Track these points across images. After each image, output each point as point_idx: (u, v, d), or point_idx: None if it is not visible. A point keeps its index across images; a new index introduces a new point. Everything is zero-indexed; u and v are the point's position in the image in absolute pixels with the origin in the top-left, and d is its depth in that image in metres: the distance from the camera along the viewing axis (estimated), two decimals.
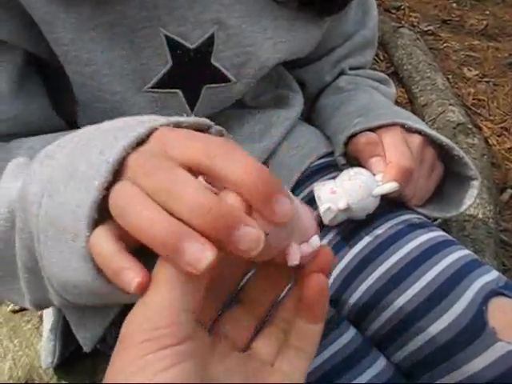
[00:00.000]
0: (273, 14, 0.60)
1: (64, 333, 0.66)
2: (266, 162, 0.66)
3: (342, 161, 0.62)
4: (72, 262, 0.33)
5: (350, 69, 0.79)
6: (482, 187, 1.28)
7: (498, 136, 1.77)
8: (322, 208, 0.54)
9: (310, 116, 0.80)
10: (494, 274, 0.51)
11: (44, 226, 0.34)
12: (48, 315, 0.69)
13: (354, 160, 0.61)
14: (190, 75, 0.57)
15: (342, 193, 0.53)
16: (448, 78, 1.99)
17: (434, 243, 0.53)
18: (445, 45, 2.31)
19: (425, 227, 0.56)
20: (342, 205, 0.53)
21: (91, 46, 0.50)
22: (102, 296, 0.35)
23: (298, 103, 0.71)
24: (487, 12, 2.67)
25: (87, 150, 0.34)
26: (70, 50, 0.50)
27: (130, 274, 0.29)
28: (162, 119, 0.35)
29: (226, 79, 0.59)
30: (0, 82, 0.49)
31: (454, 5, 2.75)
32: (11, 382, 0.69)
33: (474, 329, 0.46)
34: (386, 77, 0.83)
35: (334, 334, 0.48)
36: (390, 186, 0.53)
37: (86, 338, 0.58)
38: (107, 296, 0.34)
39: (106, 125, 0.37)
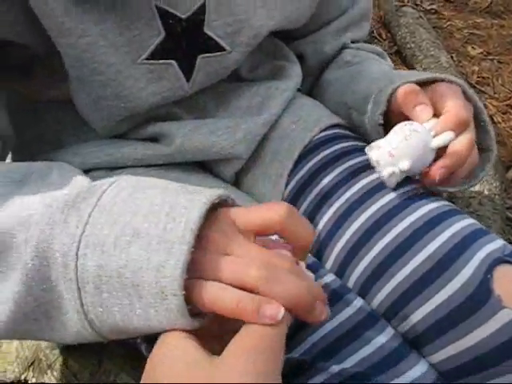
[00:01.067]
0: None
1: None
2: (267, 136, 0.66)
3: (380, 120, 0.60)
4: (151, 314, 0.38)
5: (351, 41, 0.78)
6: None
7: (503, 114, 1.76)
8: (385, 173, 0.53)
9: (311, 91, 0.79)
10: (499, 243, 0.50)
11: (92, 278, 0.38)
12: None
13: (395, 117, 0.59)
14: (183, 45, 0.56)
15: (402, 154, 0.52)
16: (452, 57, 1.97)
17: (438, 212, 0.52)
18: (448, 23, 2.28)
19: (429, 197, 0.55)
20: (405, 167, 0.52)
21: (85, 17, 0.49)
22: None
23: (295, 74, 0.71)
24: None
25: (151, 213, 0.39)
26: (64, 22, 0.49)
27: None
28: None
29: (220, 48, 0.58)
30: None
31: None
32: (18, 361, 0.69)
33: (480, 297, 0.46)
34: (382, 50, 0.82)
35: (339, 305, 0.48)
36: (446, 136, 0.52)
37: None
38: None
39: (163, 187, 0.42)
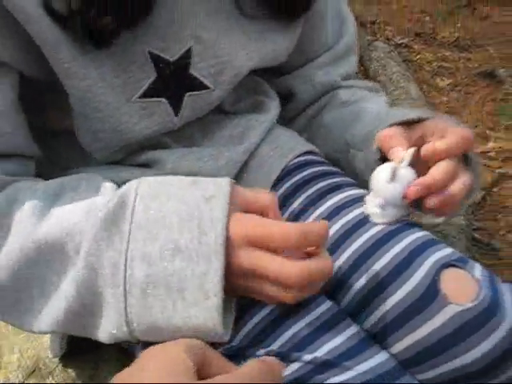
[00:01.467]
0: (243, 28, 0.68)
1: None
2: (247, 162, 0.73)
3: (376, 156, 0.66)
4: (191, 312, 0.48)
5: (343, 79, 0.85)
6: None
7: None
8: (368, 211, 0.61)
9: (306, 133, 0.85)
10: (447, 251, 0.58)
11: (139, 284, 0.48)
12: None
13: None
14: (172, 85, 0.64)
15: (379, 193, 0.59)
16: (422, 88, 2.09)
17: (397, 226, 0.60)
18: (418, 56, 2.41)
19: None
20: (380, 203, 0.60)
21: (87, 62, 0.57)
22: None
23: (274, 108, 0.79)
24: (458, 25, 2.78)
25: (183, 227, 0.49)
26: (70, 67, 0.57)
27: None
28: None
29: (204, 87, 0.66)
30: (3, 100, 0.57)
31: (427, 18, 2.87)
32: (20, 369, 0.75)
33: (428, 296, 0.53)
34: (376, 85, 0.89)
35: (312, 306, 0.55)
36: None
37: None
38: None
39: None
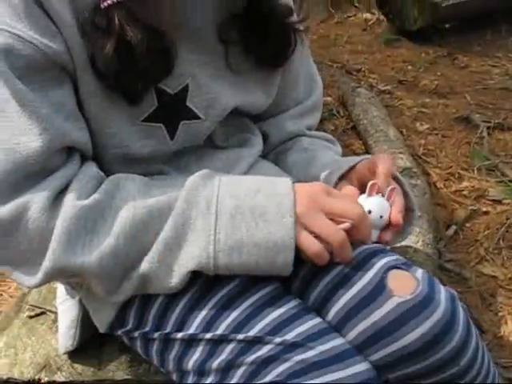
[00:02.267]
0: (229, 79, 0.82)
1: (83, 322, 0.84)
2: None
3: None
4: (271, 229, 0.63)
5: (308, 129, 1.01)
6: (423, 220, 1.49)
7: (445, 180, 1.99)
8: None
9: (277, 165, 0.99)
10: (395, 257, 0.70)
11: (229, 210, 0.64)
12: (65, 312, 0.86)
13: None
14: (170, 114, 0.77)
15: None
16: (402, 132, 2.23)
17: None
18: (400, 102, 2.57)
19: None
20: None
21: (107, 88, 0.70)
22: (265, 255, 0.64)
23: (258, 144, 0.92)
24: (439, 73, 2.96)
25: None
26: (95, 90, 0.69)
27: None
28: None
29: (197, 117, 0.79)
30: (71, 100, 0.69)
31: (410, 67, 3.04)
32: (33, 365, 0.86)
33: (377, 290, 0.65)
34: (332, 137, 1.05)
35: (282, 301, 0.67)
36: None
37: (101, 321, 0.76)
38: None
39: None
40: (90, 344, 0.86)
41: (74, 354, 0.85)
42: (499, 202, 1.89)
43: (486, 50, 3.30)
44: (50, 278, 0.65)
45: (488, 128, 2.29)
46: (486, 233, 1.75)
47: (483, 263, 1.65)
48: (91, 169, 0.70)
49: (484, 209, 1.85)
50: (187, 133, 0.80)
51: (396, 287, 0.65)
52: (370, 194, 0.74)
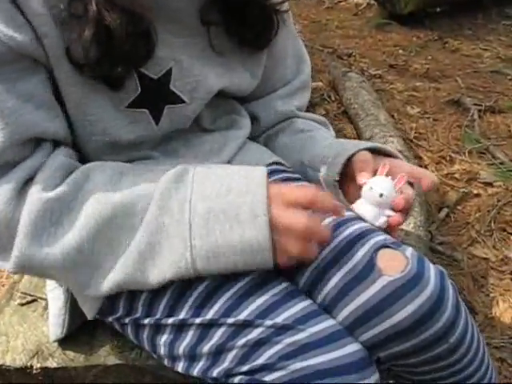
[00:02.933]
0: (213, 61, 0.81)
1: (72, 309, 0.84)
2: None
3: (337, 177, 0.80)
4: (245, 230, 0.61)
5: (298, 110, 1.00)
6: (415, 202, 1.49)
7: (437, 164, 2.00)
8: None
9: (268, 147, 0.98)
10: (383, 236, 0.70)
11: (202, 215, 0.62)
12: (54, 300, 0.86)
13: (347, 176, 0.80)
14: (154, 98, 0.76)
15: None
16: (393, 116, 2.23)
17: (339, 221, 0.73)
18: (391, 86, 2.56)
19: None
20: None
21: (86, 79, 0.69)
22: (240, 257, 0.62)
23: (246, 126, 0.92)
24: (430, 57, 2.96)
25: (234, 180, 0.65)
26: (72, 76, 0.68)
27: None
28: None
29: (182, 101, 0.79)
30: (43, 90, 0.68)
31: (401, 51, 3.04)
32: (25, 352, 0.85)
33: (367, 269, 0.65)
34: (325, 120, 1.04)
35: (273, 283, 0.67)
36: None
37: (88, 308, 0.76)
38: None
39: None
40: (82, 330, 0.86)
41: (66, 341, 0.85)
42: (490, 184, 1.90)
43: (477, 34, 3.31)
44: (20, 268, 0.66)
45: (479, 111, 2.30)
46: (477, 215, 1.76)
47: (475, 245, 1.66)
48: (59, 158, 0.68)
49: (475, 191, 1.86)
50: (172, 117, 0.79)
51: (385, 266, 0.66)
52: (379, 174, 0.75)
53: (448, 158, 2.02)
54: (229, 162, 0.87)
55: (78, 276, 0.66)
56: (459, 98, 2.39)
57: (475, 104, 2.35)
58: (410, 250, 0.69)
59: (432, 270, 0.67)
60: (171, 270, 0.64)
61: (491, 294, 1.51)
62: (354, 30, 3.35)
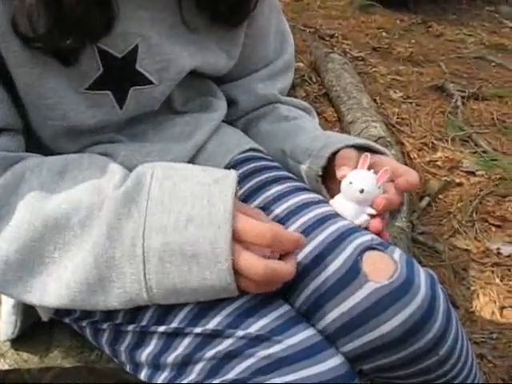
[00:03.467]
0: (185, 38, 0.73)
1: (25, 308, 0.76)
2: (195, 157, 0.79)
3: (320, 172, 0.73)
4: (206, 274, 0.54)
5: (280, 92, 0.92)
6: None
7: (419, 150, 1.95)
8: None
9: (247, 134, 0.91)
10: (369, 236, 0.64)
11: (157, 253, 0.54)
12: (6, 298, 0.78)
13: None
14: (118, 79, 0.69)
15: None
16: (375, 100, 2.18)
17: (321, 216, 0.66)
18: (374, 69, 2.51)
19: (316, 203, 0.69)
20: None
21: (36, 52, 0.61)
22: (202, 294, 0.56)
23: (221, 108, 0.84)
24: (413, 41, 2.91)
25: (196, 201, 0.56)
26: (20, 56, 0.60)
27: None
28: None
29: (149, 82, 0.71)
30: None
31: (384, 34, 2.99)
32: None
33: (351, 274, 0.59)
34: (309, 106, 0.97)
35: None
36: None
37: (43, 309, 0.69)
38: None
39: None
40: (38, 329, 0.78)
41: (20, 340, 0.78)
42: (473, 173, 1.88)
43: (461, 19, 3.28)
44: None
45: (462, 97, 2.27)
46: (459, 205, 1.73)
47: (456, 236, 1.63)
48: None
49: (458, 180, 1.83)
50: (139, 99, 0.71)
51: (372, 271, 0.59)
52: (359, 167, 0.68)
53: (430, 145, 1.98)
54: (202, 147, 0.80)
55: (12, 289, 0.59)
56: (443, 84, 2.35)
57: (459, 90, 2.32)
58: (398, 252, 0.63)
59: (422, 275, 0.61)
60: (124, 304, 0.57)
61: (472, 287, 1.48)
62: (337, 10, 3.29)
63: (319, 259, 0.62)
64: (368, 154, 0.68)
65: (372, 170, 0.67)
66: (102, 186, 0.59)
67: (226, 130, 0.84)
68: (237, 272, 0.55)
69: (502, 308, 1.41)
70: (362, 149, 0.72)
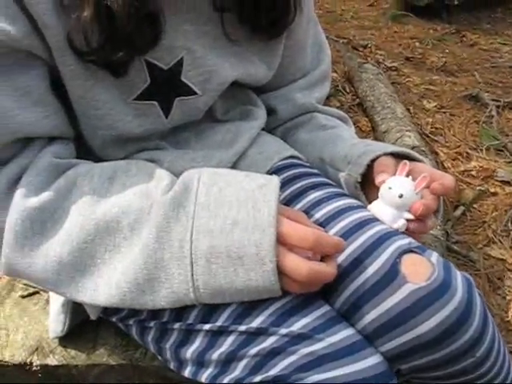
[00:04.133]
0: (227, 50, 0.77)
1: (74, 307, 0.80)
2: (237, 164, 0.81)
3: (359, 178, 0.75)
4: (251, 275, 0.56)
5: (318, 102, 0.95)
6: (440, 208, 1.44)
7: (453, 160, 1.94)
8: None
9: (285, 142, 0.93)
10: (408, 239, 0.66)
11: (204, 255, 0.57)
12: (55, 296, 0.82)
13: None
14: (164, 90, 0.72)
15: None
16: (409, 109, 2.18)
17: (359, 221, 0.68)
18: (407, 79, 2.51)
19: (355, 208, 0.71)
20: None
21: (90, 65, 0.65)
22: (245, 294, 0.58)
23: (260, 117, 0.87)
24: (447, 50, 2.90)
25: (241, 207, 0.59)
26: (75, 69, 0.64)
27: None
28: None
29: (193, 92, 0.74)
30: (40, 85, 0.64)
31: (417, 44, 2.98)
32: (24, 347, 0.82)
33: (390, 275, 0.61)
34: (345, 115, 0.99)
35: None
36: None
37: (92, 308, 0.72)
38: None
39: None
40: (85, 327, 0.82)
41: (68, 337, 0.81)
42: (508, 183, 1.86)
43: (496, 28, 3.25)
44: (8, 273, 0.63)
45: (497, 107, 2.24)
46: (493, 214, 1.71)
47: (491, 245, 1.62)
48: (45, 158, 0.65)
49: (492, 189, 1.81)
50: (183, 109, 0.75)
51: (410, 273, 0.61)
52: (398, 174, 0.70)
53: (465, 155, 1.97)
54: (243, 154, 0.82)
55: (65, 288, 0.62)
56: (477, 93, 2.33)
57: (493, 100, 2.29)
58: (435, 256, 0.64)
59: (459, 279, 0.62)
60: (172, 304, 0.60)
61: (507, 297, 1.47)
62: (370, 20, 3.29)
63: (358, 262, 0.64)
64: (407, 162, 0.70)
65: (410, 177, 0.69)
66: (150, 190, 0.62)
67: (266, 138, 0.87)
68: (281, 273, 0.57)
69: None
70: (399, 156, 0.74)
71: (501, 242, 1.62)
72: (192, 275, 0.58)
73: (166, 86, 0.72)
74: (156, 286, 0.59)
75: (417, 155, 0.76)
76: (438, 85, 2.47)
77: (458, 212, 1.70)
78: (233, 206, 0.59)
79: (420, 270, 0.61)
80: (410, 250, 0.63)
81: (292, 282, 0.58)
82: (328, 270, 0.58)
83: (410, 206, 0.68)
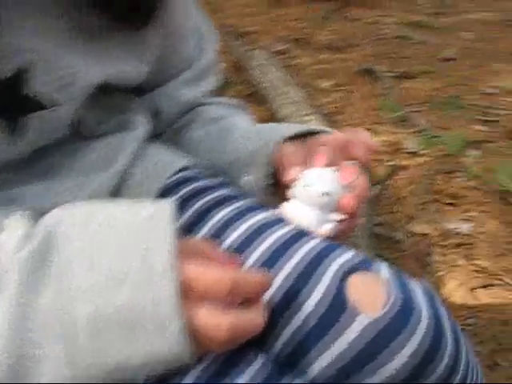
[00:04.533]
0: (88, 46, 0.60)
1: None
2: (120, 186, 0.65)
3: (269, 181, 0.63)
4: (155, 345, 0.41)
5: (205, 96, 0.80)
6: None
7: None
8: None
9: (178, 144, 0.79)
10: (350, 254, 0.52)
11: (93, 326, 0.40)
12: None
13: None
14: (8, 106, 0.55)
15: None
16: (306, 92, 2.09)
17: (285, 239, 0.54)
18: (298, 61, 2.44)
19: (276, 223, 0.57)
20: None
21: None
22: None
23: (143, 124, 0.71)
24: (332, 28, 2.87)
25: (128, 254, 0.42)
26: None
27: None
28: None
29: (50, 104, 0.57)
30: None
31: (302, 24, 2.94)
32: None
33: (337, 308, 0.47)
34: (239, 102, 0.85)
35: None
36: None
37: None
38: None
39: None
40: None
41: None
42: (416, 153, 1.82)
43: (375, 1, 3.26)
44: None
45: (392, 78, 2.22)
46: (409, 188, 1.67)
47: (412, 222, 1.56)
48: None
49: (403, 162, 1.76)
50: (39, 127, 0.57)
51: (360, 299, 0.47)
52: (314, 166, 0.56)
53: (369, 131, 1.91)
54: (126, 173, 0.66)
55: None
56: (370, 67, 2.30)
57: (386, 71, 2.26)
58: (384, 269, 0.51)
59: (419, 293, 0.50)
60: None
61: (437, 273, 1.41)
62: (250, 7, 3.22)
63: (294, 292, 0.49)
64: (323, 146, 0.56)
65: (330, 168, 0.56)
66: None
67: (153, 150, 0.71)
68: (193, 333, 0.42)
69: (472, 289, 1.35)
70: (299, 136, 0.62)
71: (421, 217, 1.56)
72: (73, 356, 0.41)
73: (8, 101, 0.55)
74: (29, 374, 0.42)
75: (325, 128, 0.63)
76: (330, 63, 2.42)
77: (375, 191, 1.63)
78: (116, 253, 0.42)
79: (372, 294, 0.48)
80: (353, 269, 0.50)
81: (210, 343, 0.43)
82: (255, 319, 0.43)
83: (338, 203, 0.54)
